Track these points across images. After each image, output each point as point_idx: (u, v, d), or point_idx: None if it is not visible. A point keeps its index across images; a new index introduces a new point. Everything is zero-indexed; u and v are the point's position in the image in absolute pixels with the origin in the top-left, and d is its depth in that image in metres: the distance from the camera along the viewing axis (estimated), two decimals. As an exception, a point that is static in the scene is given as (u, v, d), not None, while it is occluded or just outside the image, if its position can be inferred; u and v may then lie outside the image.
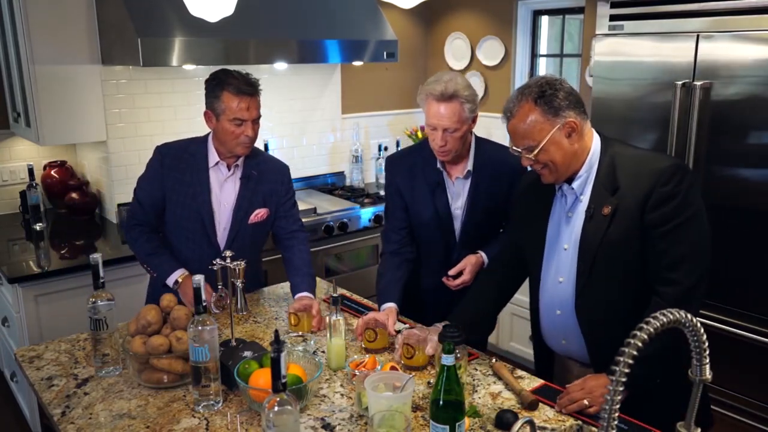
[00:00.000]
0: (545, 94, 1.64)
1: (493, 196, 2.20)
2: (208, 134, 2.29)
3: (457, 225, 2.23)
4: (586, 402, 1.59)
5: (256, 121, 2.18)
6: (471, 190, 2.20)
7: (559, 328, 1.83)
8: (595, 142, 1.73)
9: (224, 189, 2.27)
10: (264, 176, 2.31)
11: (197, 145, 2.28)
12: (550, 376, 1.92)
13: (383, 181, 4.34)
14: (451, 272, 2.19)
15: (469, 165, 2.18)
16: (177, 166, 2.25)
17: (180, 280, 2.20)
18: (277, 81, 3.90)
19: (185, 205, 2.25)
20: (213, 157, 2.26)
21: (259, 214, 2.30)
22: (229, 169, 2.27)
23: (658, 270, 1.63)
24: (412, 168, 2.24)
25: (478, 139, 2.22)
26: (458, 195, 2.21)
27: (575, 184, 1.73)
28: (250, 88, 2.14)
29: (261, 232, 2.37)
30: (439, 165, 2.19)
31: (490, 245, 2.24)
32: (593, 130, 1.75)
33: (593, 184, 1.71)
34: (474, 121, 2.11)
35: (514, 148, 1.72)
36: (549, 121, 1.65)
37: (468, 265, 2.18)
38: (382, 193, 4.00)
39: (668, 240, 1.60)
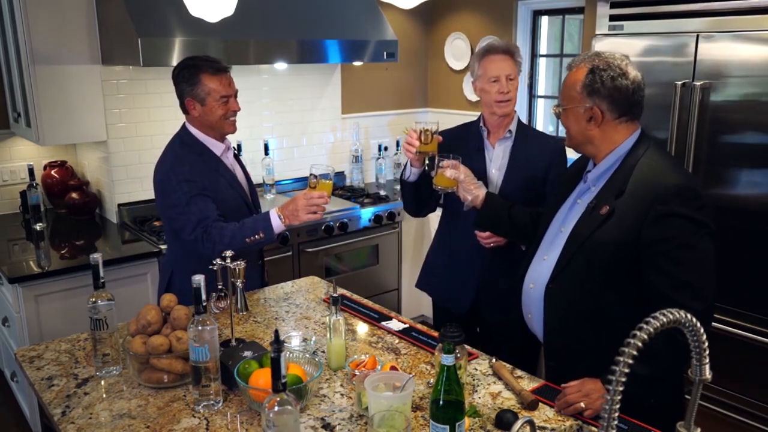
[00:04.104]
0: (598, 72, 1.65)
1: (530, 166, 2.29)
2: (181, 132, 2.31)
3: (492, 190, 2.29)
4: (582, 405, 1.58)
5: (236, 96, 2.29)
6: (511, 152, 2.33)
7: (528, 302, 1.88)
8: (627, 143, 1.71)
9: (236, 170, 2.41)
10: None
11: (190, 143, 2.29)
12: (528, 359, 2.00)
13: (383, 181, 4.37)
14: None
15: (512, 126, 2.34)
16: (200, 169, 2.24)
17: (278, 212, 2.19)
18: (277, 81, 3.90)
19: (227, 197, 2.29)
20: (216, 146, 2.31)
21: (251, 176, 2.54)
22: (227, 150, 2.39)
23: (663, 290, 1.59)
24: (458, 138, 2.40)
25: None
26: (497, 158, 2.33)
27: (591, 175, 1.76)
28: (223, 66, 2.25)
29: None
30: (481, 124, 2.36)
31: None
32: (638, 132, 1.72)
33: (606, 181, 1.72)
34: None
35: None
36: (581, 95, 1.68)
37: None
38: (383, 193, 4.02)
39: (672, 260, 1.58)
